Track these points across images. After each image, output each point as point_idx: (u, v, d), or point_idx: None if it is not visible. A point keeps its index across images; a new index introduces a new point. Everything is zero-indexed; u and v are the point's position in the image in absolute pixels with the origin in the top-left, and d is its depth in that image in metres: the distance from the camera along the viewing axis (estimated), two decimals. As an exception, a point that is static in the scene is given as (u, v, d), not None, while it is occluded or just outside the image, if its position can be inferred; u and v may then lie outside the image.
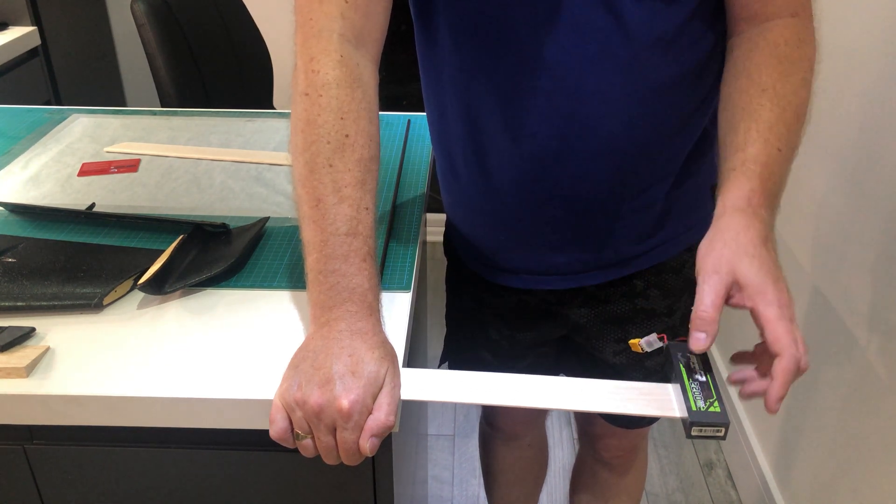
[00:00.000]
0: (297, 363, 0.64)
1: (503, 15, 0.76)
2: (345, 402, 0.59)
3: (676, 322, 0.97)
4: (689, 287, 0.94)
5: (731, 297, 0.66)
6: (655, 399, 0.66)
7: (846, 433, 1.28)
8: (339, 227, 0.66)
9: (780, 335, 0.62)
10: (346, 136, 0.69)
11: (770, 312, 0.63)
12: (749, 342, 0.66)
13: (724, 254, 0.66)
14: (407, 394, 0.66)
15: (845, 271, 1.29)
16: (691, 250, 0.89)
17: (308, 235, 0.68)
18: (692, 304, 0.95)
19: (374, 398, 0.62)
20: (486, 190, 0.88)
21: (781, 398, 0.62)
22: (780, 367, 0.61)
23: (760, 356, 0.65)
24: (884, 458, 1.16)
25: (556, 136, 0.79)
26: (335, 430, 0.61)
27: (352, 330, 0.64)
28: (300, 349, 0.65)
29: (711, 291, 0.65)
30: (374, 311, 0.67)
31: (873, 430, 1.19)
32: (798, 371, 0.63)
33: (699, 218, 0.88)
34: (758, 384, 0.64)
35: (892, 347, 1.14)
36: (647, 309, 0.94)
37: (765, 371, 0.64)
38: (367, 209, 0.69)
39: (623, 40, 0.74)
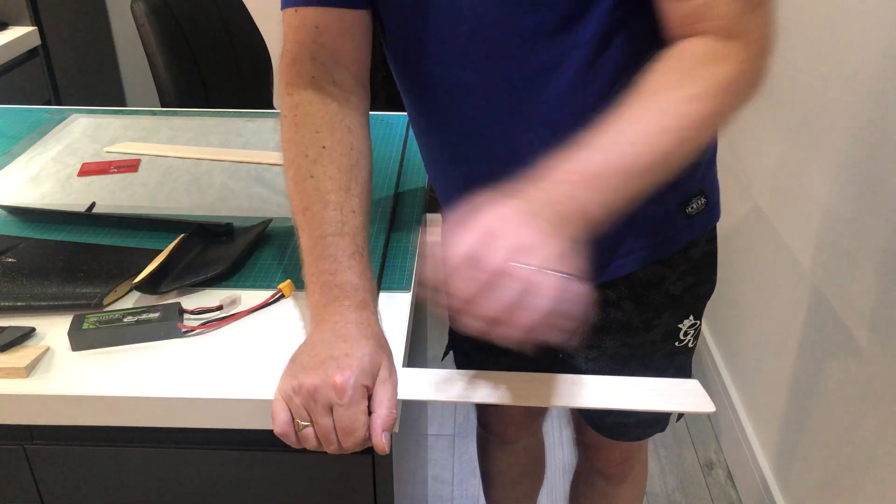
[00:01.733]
0: (295, 357, 0.66)
1: (425, 43, 0.76)
2: (338, 378, 0.61)
3: (657, 338, 0.93)
4: (671, 303, 0.91)
5: None
6: (660, 393, 0.66)
7: (846, 433, 1.28)
8: (325, 230, 0.70)
9: None
10: (323, 147, 0.73)
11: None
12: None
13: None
14: (407, 394, 0.66)
15: (846, 271, 1.29)
16: (664, 264, 0.88)
17: (302, 243, 0.72)
18: (676, 322, 0.93)
19: (371, 381, 0.63)
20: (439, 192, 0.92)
21: None
22: None
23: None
24: (884, 457, 1.16)
25: (485, 160, 0.80)
26: (332, 410, 0.62)
27: (347, 321, 0.66)
28: (299, 346, 0.67)
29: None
30: (368, 306, 0.68)
31: (873, 429, 1.19)
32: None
33: (667, 235, 0.86)
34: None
35: (893, 347, 1.14)
36: (621, 320, 0.92)
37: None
38: (353, 212, 0.71)
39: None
